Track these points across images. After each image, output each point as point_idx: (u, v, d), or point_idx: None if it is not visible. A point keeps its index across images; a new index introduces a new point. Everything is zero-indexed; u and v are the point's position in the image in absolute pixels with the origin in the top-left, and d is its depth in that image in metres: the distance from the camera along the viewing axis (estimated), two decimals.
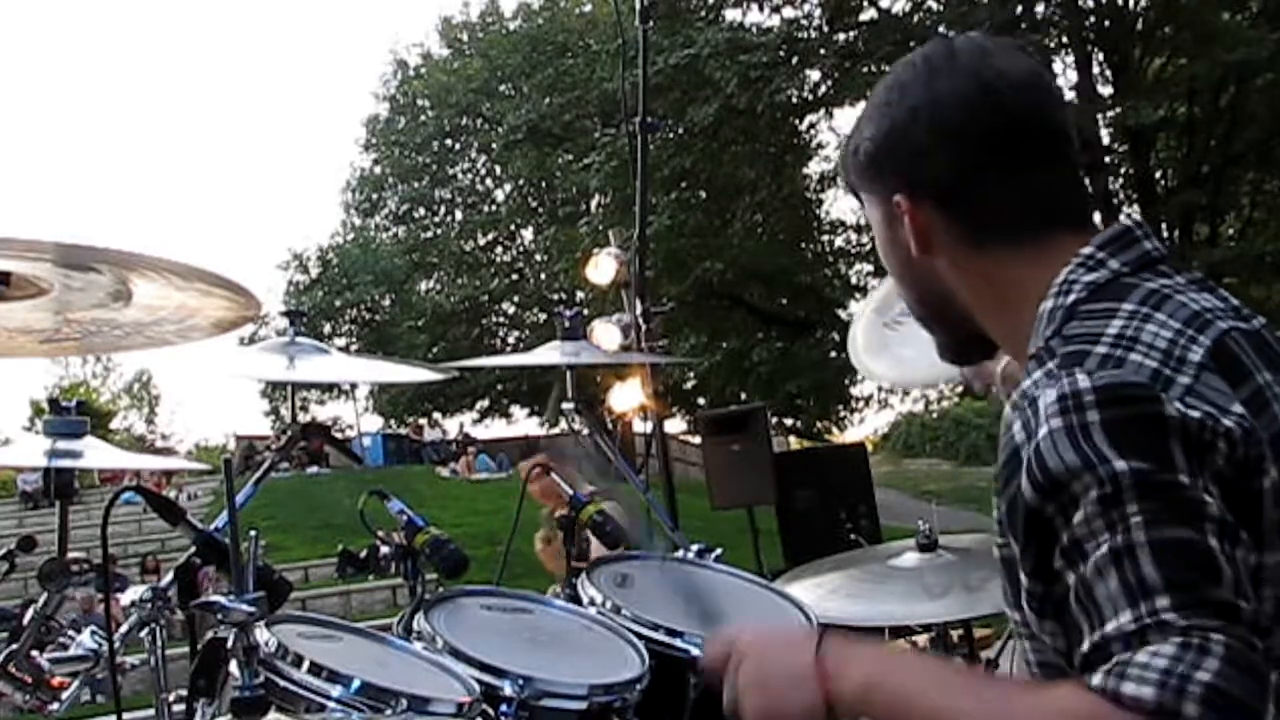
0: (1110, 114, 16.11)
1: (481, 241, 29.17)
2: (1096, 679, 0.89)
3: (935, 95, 1.14)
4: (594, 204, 21.53)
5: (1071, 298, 1.09)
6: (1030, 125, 1.14)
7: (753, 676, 1.11)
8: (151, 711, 1.91)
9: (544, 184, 26.30)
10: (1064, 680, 0.95)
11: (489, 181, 29.11)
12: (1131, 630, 0.90)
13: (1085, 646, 0.93)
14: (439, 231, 29.37)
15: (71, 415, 1.94)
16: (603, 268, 4.69)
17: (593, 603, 2.22)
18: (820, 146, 19.98)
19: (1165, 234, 17.06)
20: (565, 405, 2.89)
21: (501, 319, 29.09)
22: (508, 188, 28.36)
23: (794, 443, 23.76)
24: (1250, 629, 0.90)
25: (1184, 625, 0.88)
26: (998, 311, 1.18)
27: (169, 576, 1.89)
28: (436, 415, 29.71)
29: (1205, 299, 1.08)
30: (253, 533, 1.74)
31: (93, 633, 1.91)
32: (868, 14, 16.98)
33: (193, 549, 1.85)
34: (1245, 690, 0.87)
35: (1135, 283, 1.08)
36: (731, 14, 17.47)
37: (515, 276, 28.61)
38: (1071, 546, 0.95)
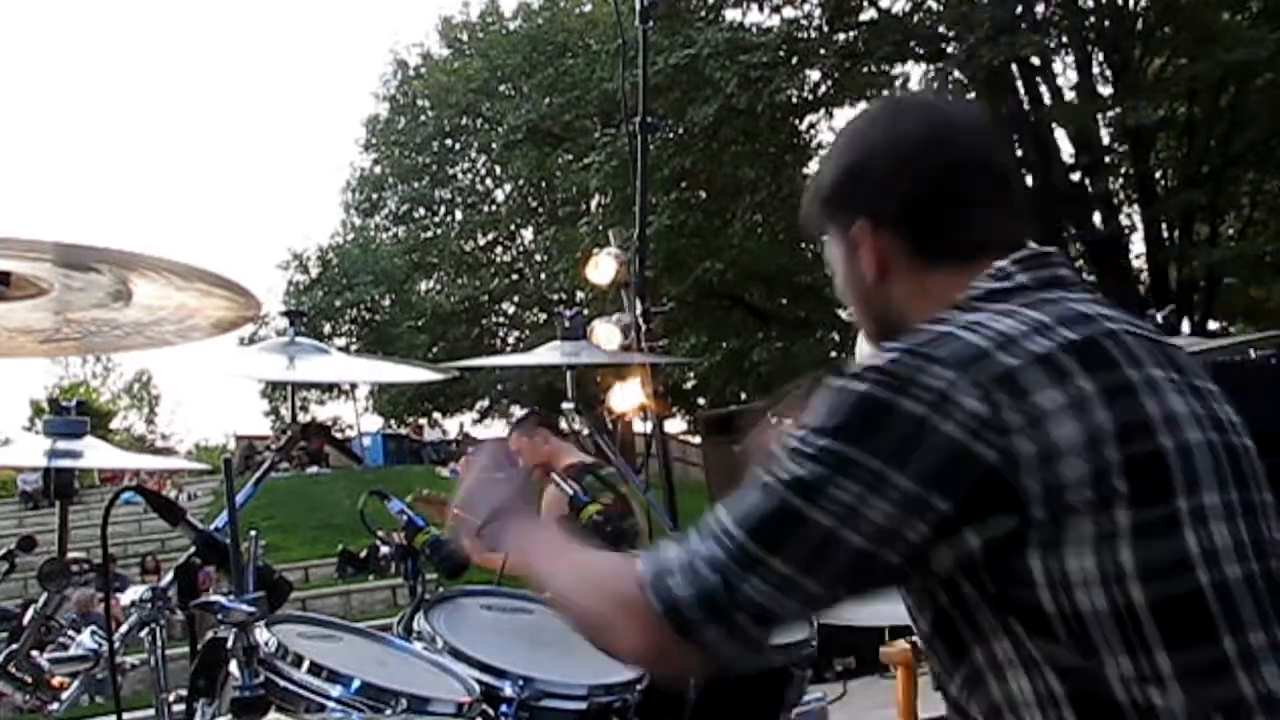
0: (1110, 114, 16.11)
1: (481, 241, 29.15)
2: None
3: (893, 135, 1.27)
4: (594, 204, 21.51)
5: (965, 295, 1.18)
6: (978, 163, 1.25)
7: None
8: (151, 711, 1.91)
9: (544, 184, 26.28)
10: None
11: (489, 181, 29.09)
12: (689, 538, 1.13)
13: None
14: (439, 231, 29.35)
15: (72, 415, 1.94)
16: (603, 268, 4.68)
17: None
18: (820, 146, 19.94)
19: (1165, 234, 17.07)
20: (565, 405, 2.89)
21: (501, 319, 29.07)
22: (508, 188, 28.35)
23: None
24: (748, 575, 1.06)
25: (704, 549, 1.09)
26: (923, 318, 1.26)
27: (169, 576, 1.89)
28: (436, 415, 29.72)
29: (1104, 310, 1.16)
30: (253, 533, 1.74)
31: (93, 633, 1.91)
32: (868, 14, 16.97)
33: (193, 549, 1.85)
34: (702, 603, 1.07)
35: (1031, 291, 1.16)
36: (731, 14, 17.47)
37: (515, 276, 28.60)
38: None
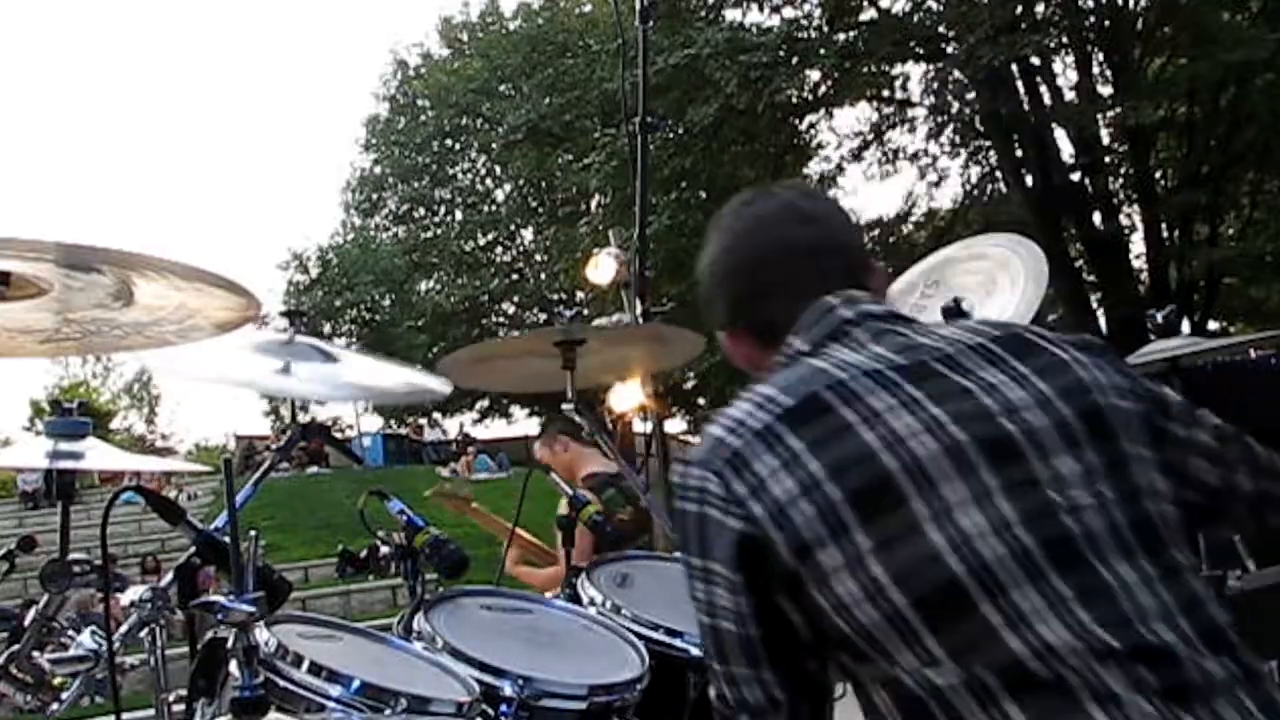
0: (1110, 114, 16.10)
1: (481, 241, 29.15)
2: None
3: (708, 257, 1.51)
4: (594, 204, 21.50)
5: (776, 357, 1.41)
6: (768, 258, 1.45)
7: None
8: (151, 711, 1.91)
9: (544, 184, 26.28)
10: None
11: (489, 181, 29.09)
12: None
13: None
14: (439, 231, 29.35)
15: (74, 416, 1.94)
16: (603, 268, 4.68)
17: (593, 603, 2.22)
18: (820, 146, 19.95)
19: (1165, 234, 17.07)
20: (565, 405, 2.89)
21: (501, 319, 29.06)
22: (508, 188, 28.35)
23: None
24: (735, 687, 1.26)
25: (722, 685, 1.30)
26: None
27: (169, 576, 1.89)
28: (436, 415, 29.72)
29: (856, 355, 1.31)
30: (253, 533, 1.74)
31: (93, 633, 1.91)
32: (868, 14, 16.95)
33: (193, 549, 1.85)
34: None
35: (799, 358, 1.35)
36: (731, 14, 17.46)
37: (515, 276, 28.60)
38: None
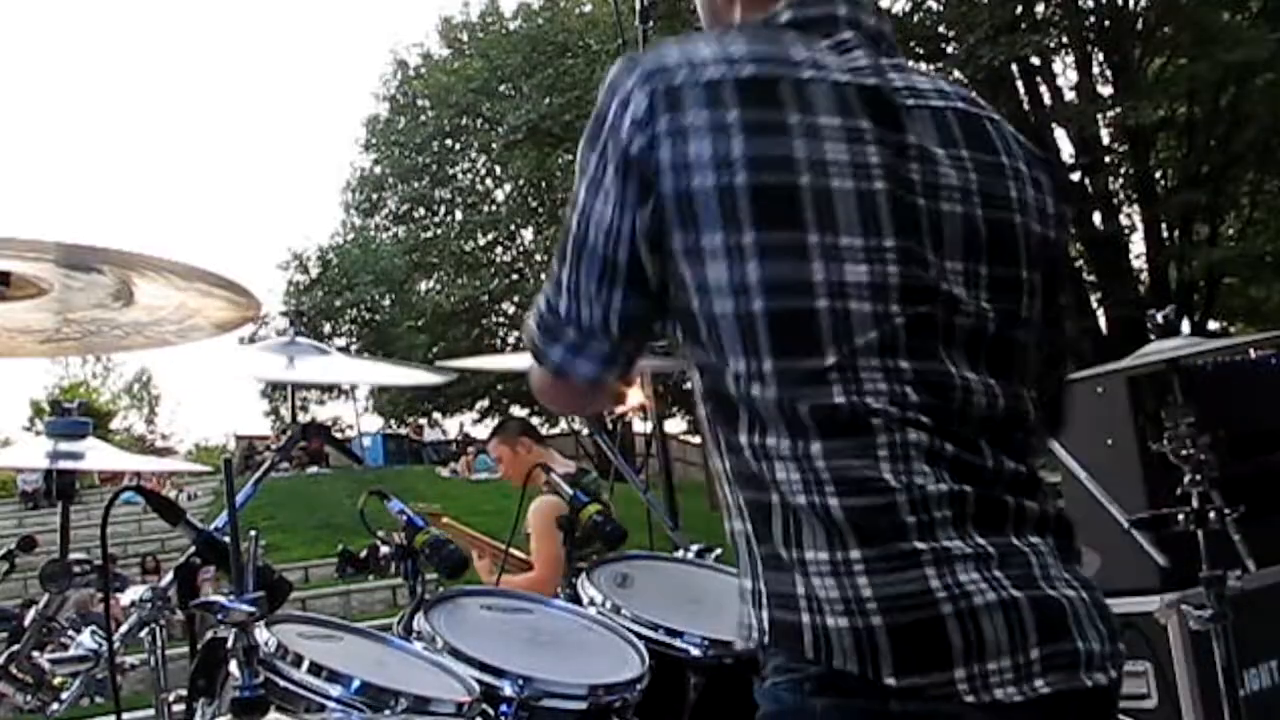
0: (1110, 114, 16.10)
1: (481, 241, 29.14)
2: None
3: None
4: None
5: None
6: None
7: None
8: (151, 711, 1.91)
9: (544, 184, 26.28)
10: None
11: (489, 181, 29.09)
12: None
13: None
14: (439, 231, 29.33)
15: (74, 416, 1.94)
16: None
17: (593, 603, 2.22)
18: None
19: (1165, 234, 17.07)
20: None
21: (501, 319, 29.05)
22: (508, 188, 28.34)
23: None
24: (573, 301, 1.27)
25: (547, 282, 1.31)
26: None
27: (169, 576, 1.89)
28: (436, 415, 29.72)
29: (830, 57, 1.25)
30: (253, 533, 1.74)
31: (93, 633, 1.91)
32: None
33: (193, 549, 1.85)
34: (537, 338, 1.31)
35: (778, 29, 1.29)
36: None
37: (515, 276, 28.59)
38: None
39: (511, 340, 27.67)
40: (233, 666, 1.66)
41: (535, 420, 26.30)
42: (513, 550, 4.06)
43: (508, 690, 1.87)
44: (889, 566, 1.10)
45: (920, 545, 1.11)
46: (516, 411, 29.14)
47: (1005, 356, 1.24)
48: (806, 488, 1.14)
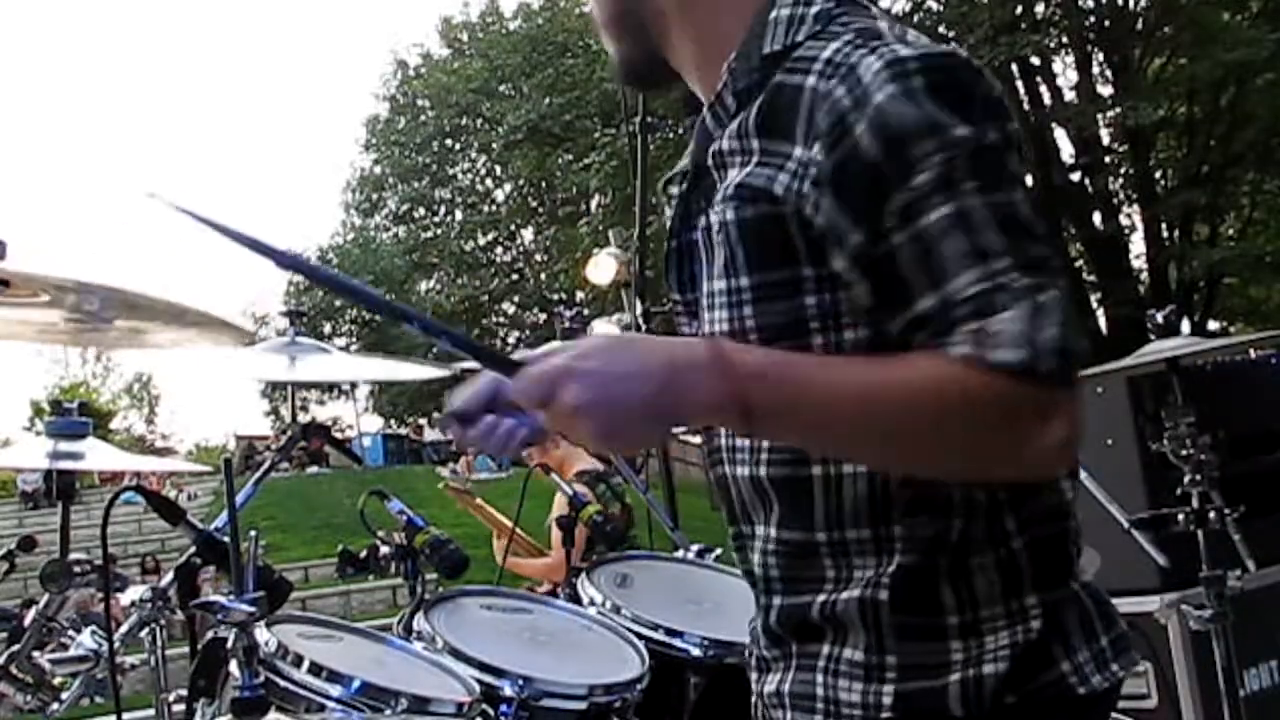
0: (1110, 114, 16.10)
1: (481, 241, 29.16)
2: (963, 349, 0.96)
3: None
4: (594, 204, 21.54)
5: (816, 8, 1.13)
6: None
7: (597, 378, 0.98)
8: (151, 711, 1.91)
9: (544, 184, 26.30)
10: (920, 353, 0.99)
11: (489, 181, 29.10)
12: (976, 292, 0.96)
13: (923, 305, 0.99)
14: (439, 231, 29.35)
15: (74, 416, 1.94)
16: (603, 268, 4.69)
17: (593, 603, 2.22)
18: None
19: (1165, 234, 17.07)
20: None
21: (501, 319, 29.08)
22: (508, 188, 28.36)
23: None
24: (1060, 276, 0.99)
25: (1024, 286, 0.96)
26: (693, 15, 1.21)
27: (169, 576, 1.89)
28: (437, 415, 29.71)
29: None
30: (253, 533, 1.74)
31: (93, 633, 1.91)
32: None
33: (193, 549, 1.85)
34: (1076, 334, 0.96)
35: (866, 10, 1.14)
36: None
37: (515, 276, 28.61)
38: (907, 206, 0.99)
39: (512, 340, 27.68)
40: (233, 666, 1.66)
41: None
42: (529, 539, 4.05)
43: (508, 690, 1.86)
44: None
45: None
46: None
47: None
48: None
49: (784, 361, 1.02)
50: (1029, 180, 1.05)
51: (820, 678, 1.13)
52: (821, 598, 1.12)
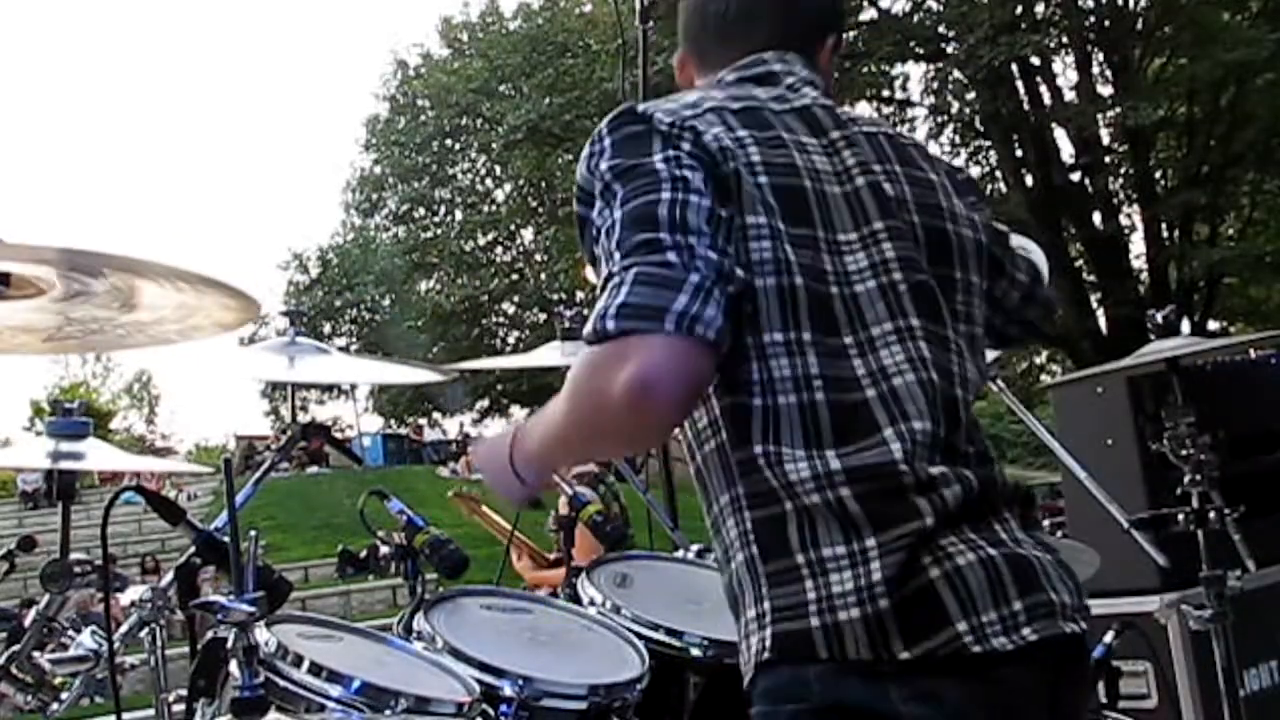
0: (1110, 114, 16.10)
1: (481, 241, 29.14)
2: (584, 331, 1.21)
3: None
4: None
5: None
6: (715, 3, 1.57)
7: (481, 462, 1.47)
8: (151, 711, 1.91)
9: (544, 184, 26.28)
10: None
11: (489, 181, 29.08)
12: (600, 285, 1.23)
13: None
14: (439, 231, 29.33)
15: (74, 416, 1.94)
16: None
17: (593, 603, 2.22)
18: None
19: (1165, 234, 17.07)
20: None
21: (501, 319, 29.06)
22: (508, 188, 28.34)
23: None
24: (683, 251, 1.21)
25: (616, 269, 1.21)
26: None
27: (169, 576, 1.89)
28: (436, 415, 29.75)
29: (785, 96, 1.44)
30: (253, 533, 1.74)
31: (93, 633, 1.91)
32: (868, 14, 16.96)
33: (193, 549, 1.85)
34: (647, 296, 1.17)
35: (728, 85, 1.46)
36: None
37: (515, 276, 28.59)
38: (594, 234, 1.30)
39: (512, 340, 27.68)
40: (233, 666, 1.66)
41: None
42: (532, 543, 4.07)
43: (508, 690, 1.87)
44: (897, 547, 1.18)
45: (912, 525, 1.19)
46: (516, 411, 29.18)
47: (943, 343, 1.34)
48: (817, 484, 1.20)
49: (525, 424, 1.40)
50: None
51: (742, 644, 1.28)
52: (729, 571, 1.30)
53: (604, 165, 1.32)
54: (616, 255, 1.23)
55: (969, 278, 1.41)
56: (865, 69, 17.40)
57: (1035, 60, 16.66)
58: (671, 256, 1.20)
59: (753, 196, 1.28)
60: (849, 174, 1.37)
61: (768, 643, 1.21)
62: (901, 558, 1.17)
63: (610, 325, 1.17)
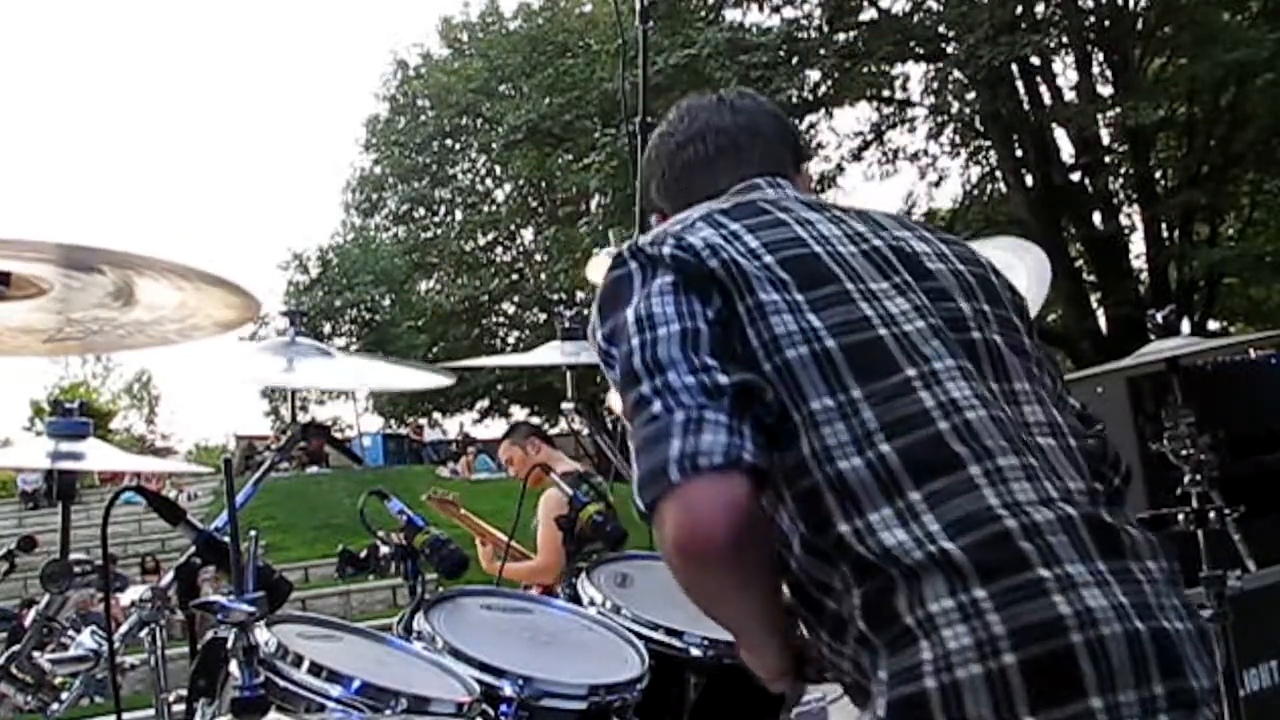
0: (1110, 114, 16.10)
1: (481, 241, 29.13)
2: None
3: (649, 147, 1.72)
4: (594, 204, 21.52)
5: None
6: (691, 140, 1.63)
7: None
8: (151, 711, 1.91)
9: (544, 184, 26.28)
10: None
11: (489, 181, 29.07)
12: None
13: None
14: (439, 231, 29.33)
15: (74, 416, 1.94)
16: (602, 268, 4.67)
17: (592, 603, 2.22)
18: (820, 146, 19.94)
19: (1165, 234, 17.07)
20: (565, 405, 2.90)
21: (501, 319, 29.05)
22: (508, 188, 28.33)
23: None
24: (664, 394, 1.22)
25: (640, 425, 1.23)
26: None
27: (169, 576, 1.89)
28: (436, 415, 29.71)
29: (779, 200, 1.46)
30: (253, 533, 1.74)
31: (93, 633, 1.91)
32: (868, 14, 16.97)
33: (193, 549, 1.85)
34: (650, 461, 1.20)
35: (736, 201, 1.47)
36: (731, 14, 17.49)
37: (515, 276, 28.58)
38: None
39: (512, 340, 27.68)
40: (233, 666, 1.66)
41: (535, 420, 26.40)
42: (514, 544, 4.12)
43: (508, 690, 1.87)
44: (1016, 597, 1.11)
45: (1044, 573, 1.12)
46: (516, 411, 29.19)
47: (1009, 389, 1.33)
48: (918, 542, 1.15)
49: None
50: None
51: None
52: (838, 672, 1.29)
53: (599, 336, 1.36)
54: (629, 427, 1.27)
55: (1022, 323, 1.42)
56: (865, 69, 17.41)
57: (1035, 60, 16.66)
58: (655, 407, 1.22)
59: (759, 278, 1.29)
60: (861, 236, 1.38)
61: (880, 713, 1.13)
62: (1022, 610, 1.10)
63: (640, 504, 1.22)
